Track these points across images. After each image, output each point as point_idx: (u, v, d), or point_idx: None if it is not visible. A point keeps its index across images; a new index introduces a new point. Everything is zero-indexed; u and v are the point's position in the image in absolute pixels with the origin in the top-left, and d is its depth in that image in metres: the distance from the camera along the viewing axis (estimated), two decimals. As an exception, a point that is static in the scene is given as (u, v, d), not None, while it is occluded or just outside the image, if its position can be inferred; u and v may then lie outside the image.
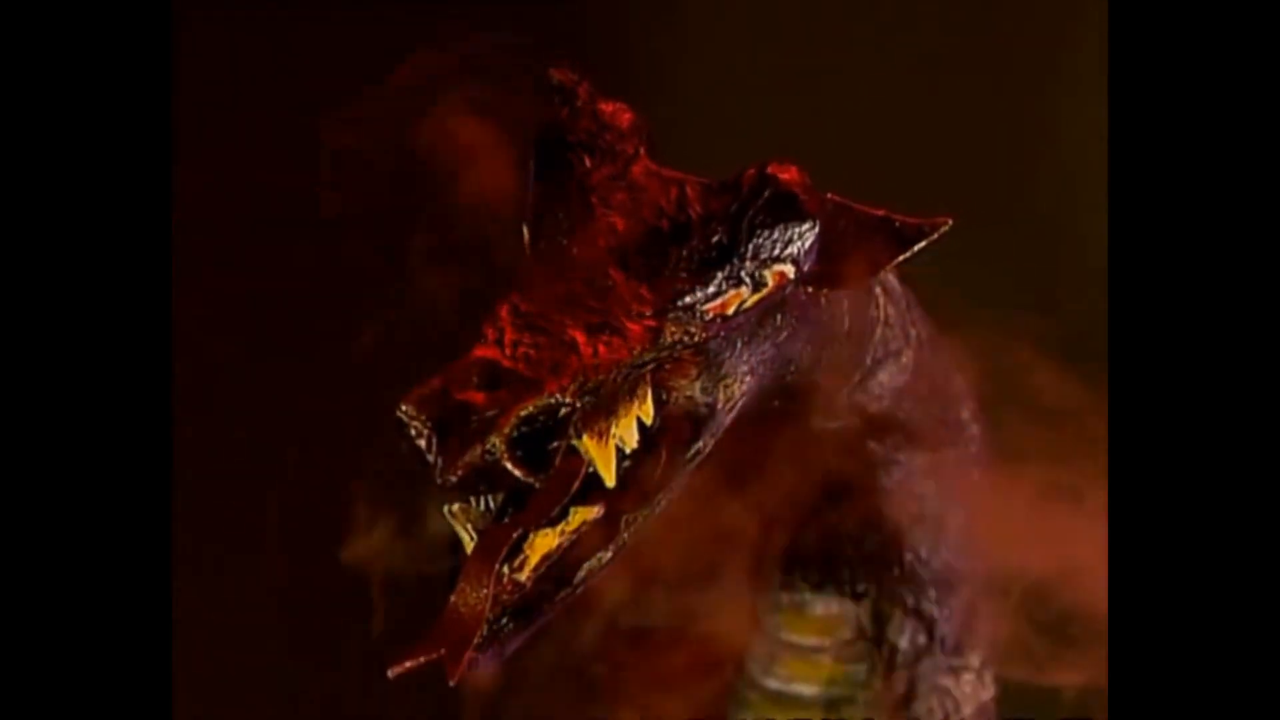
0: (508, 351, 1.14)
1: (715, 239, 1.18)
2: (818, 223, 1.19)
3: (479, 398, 1.13)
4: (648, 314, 1.17)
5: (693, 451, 1.19)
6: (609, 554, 1.18)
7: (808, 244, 1.20)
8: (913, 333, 1.29)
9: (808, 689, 1.37)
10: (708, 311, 1.18)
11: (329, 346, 1.96)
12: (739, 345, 1.20)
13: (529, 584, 1.17)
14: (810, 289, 1.21)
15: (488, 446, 1.12)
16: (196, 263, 2.14)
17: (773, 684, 1.38)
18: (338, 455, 1.90)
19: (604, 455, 1.16)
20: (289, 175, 2.06)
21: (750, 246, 1.18)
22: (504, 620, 1.16)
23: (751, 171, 1.20)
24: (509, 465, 1.12)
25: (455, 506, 1.16)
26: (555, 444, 1.14)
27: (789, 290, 1.20)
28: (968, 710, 1.38)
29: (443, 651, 1.17)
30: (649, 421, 1.18)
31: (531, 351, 1.15)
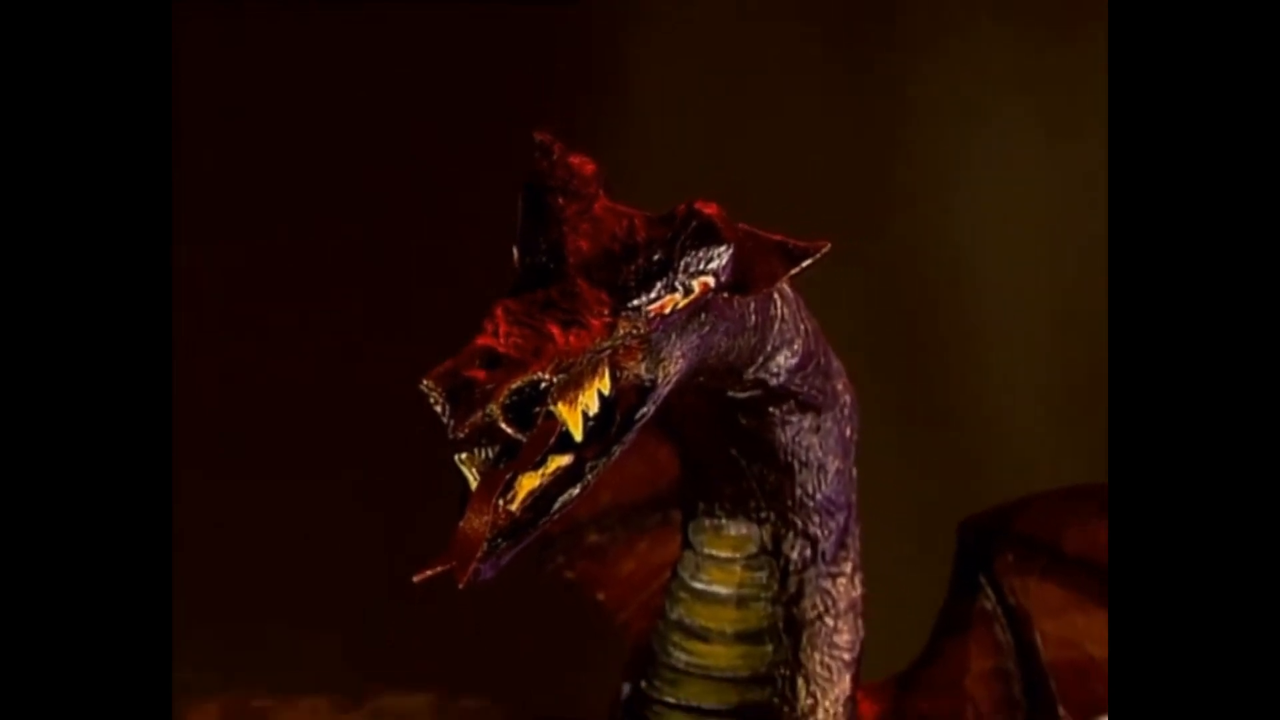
0: (501, 341, 1.30)
1: (656, 258, 1.34)
2: (732, 246, 1.35)
3: (480, 375, 1.28)
4: (605, 313, 1.33)
5: (639, 415, 1.35)
6: (577, 490, 1.34)
7: (724, 261, 1.35)
8: (802, 326, 1.44)
9: (724, 589, 1.50)
10: (650, 312, 1.34)
11: (328, 332, 2.14)
12: (674, 336, 1.36)
13: (518, 513, 1.33)
14: (726, 294, 1.37)
15: (487, 411, 1.28)
16: (197, 259, 2.14)
17: (698, 585, 1.51)
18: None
19: (573, 417, 1.32)
20: (288, 174, 2.22)
21: (682, 263, 1.34)
22: (499, 540, 1.32)
23: (683, 207, 1.36)
24: (503, 425, 1.28)
25: (464, 455, 1.31)
26: (537, 409, 1.29)
27: (711, 295, 1.36)
28: (842, 605, 1.51)
29: (454, 563, 1.32)
30: (607, 392, 1.33)
31: (519, 341, 1.30)
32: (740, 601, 1.50)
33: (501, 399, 1.28)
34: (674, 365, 1.36)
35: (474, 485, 1.32)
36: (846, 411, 1.49)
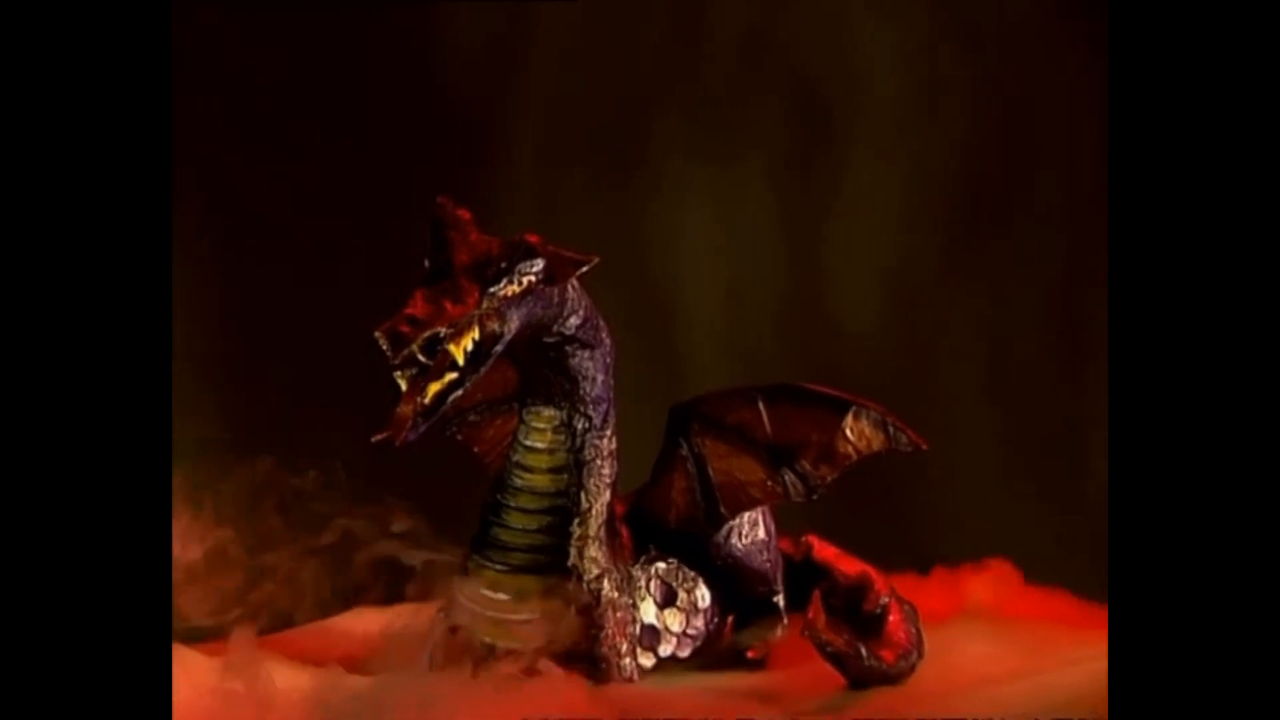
0: (419, 310, 1.70)
1: (504, 265, 1.75)
2: (545, 258, 1.76)
3: (407, 329, 1.69)
4: (476, 296, 1.73)
5: (494, 350, 1.74)
6: (460, 392, 1.73)
7: (541, 266, 1.77)
8: (584, 302, 1.82)
9: (540, 445, 1.89)
10: (500, 295, 1.75)
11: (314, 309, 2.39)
12: (513, 308, 1.75)
13: (428, 404, 1.71)
14: (542, 285, 1.76)
15: (411, 349, 1.69)
16: (196, 258, 2.30)
17: (528, 442, 1.89)
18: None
19: (459, 352, 1.71)
20: (287, 174, 2.39)
21: (517, 268, 1.75)
22: (419, 419, 1.70)
23: (518, 237, 1.74)
24: (420, 357, 1.69)
25: (398, 374, 1.70)
26: (439, 347, 1.69)
27: (534, 286, 1.76)
28: (605, 453, 1.89)
29: (392, 433, 1.69)
30: (476, 339, 1.72)
31: (429, 310, 1.70)
32: (550, 451, 1.90)
33: (419, 342, 1.71)
34: (513, 324, 1.78)
35: (404, 390, 1.72)
36: (608, 347, 1.88)
